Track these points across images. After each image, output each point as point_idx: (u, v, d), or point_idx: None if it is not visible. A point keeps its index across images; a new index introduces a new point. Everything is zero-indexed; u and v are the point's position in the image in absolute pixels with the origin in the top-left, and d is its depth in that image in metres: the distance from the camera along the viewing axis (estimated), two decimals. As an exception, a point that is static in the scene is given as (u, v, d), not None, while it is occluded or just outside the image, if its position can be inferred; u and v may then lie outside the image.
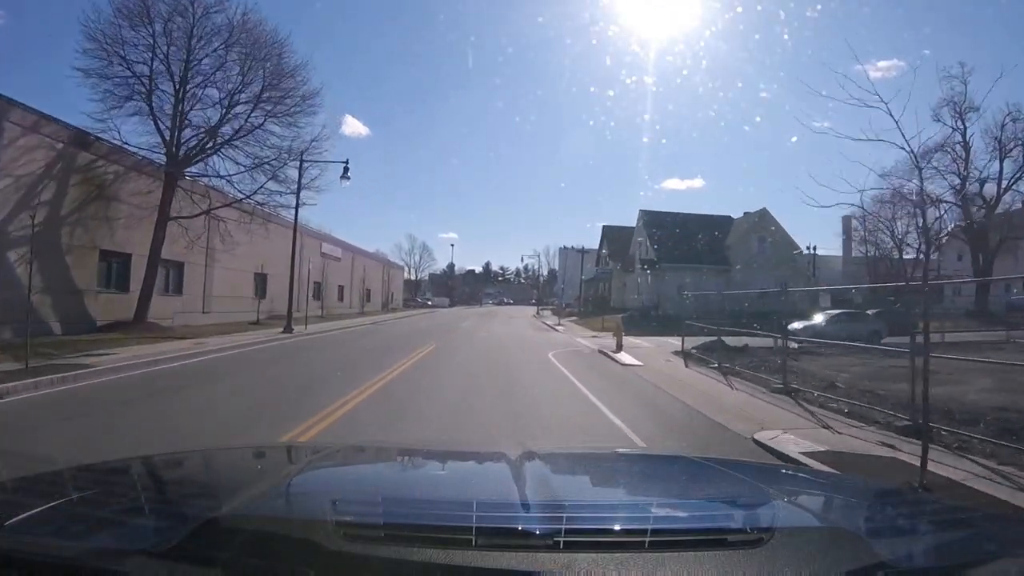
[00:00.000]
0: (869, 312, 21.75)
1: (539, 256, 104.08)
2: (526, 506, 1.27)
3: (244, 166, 19.36)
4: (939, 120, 29.03)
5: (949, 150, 29.43)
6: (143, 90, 17.30)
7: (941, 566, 1.07)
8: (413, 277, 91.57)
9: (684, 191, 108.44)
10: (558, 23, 52.64)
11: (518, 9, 54.29)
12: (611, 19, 37.71)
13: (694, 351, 13.63)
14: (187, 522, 1.03)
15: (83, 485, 1.54)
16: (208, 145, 18.84)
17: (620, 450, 3.90)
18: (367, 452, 2.17)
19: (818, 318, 20.02)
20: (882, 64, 72.73)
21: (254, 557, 0.97)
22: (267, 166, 19.54)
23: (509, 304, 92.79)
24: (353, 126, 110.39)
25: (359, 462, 2.01)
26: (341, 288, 41.86)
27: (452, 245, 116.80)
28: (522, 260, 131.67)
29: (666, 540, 1.03)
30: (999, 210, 30.72)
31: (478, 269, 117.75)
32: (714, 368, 11.81)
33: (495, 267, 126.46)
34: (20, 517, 1.13)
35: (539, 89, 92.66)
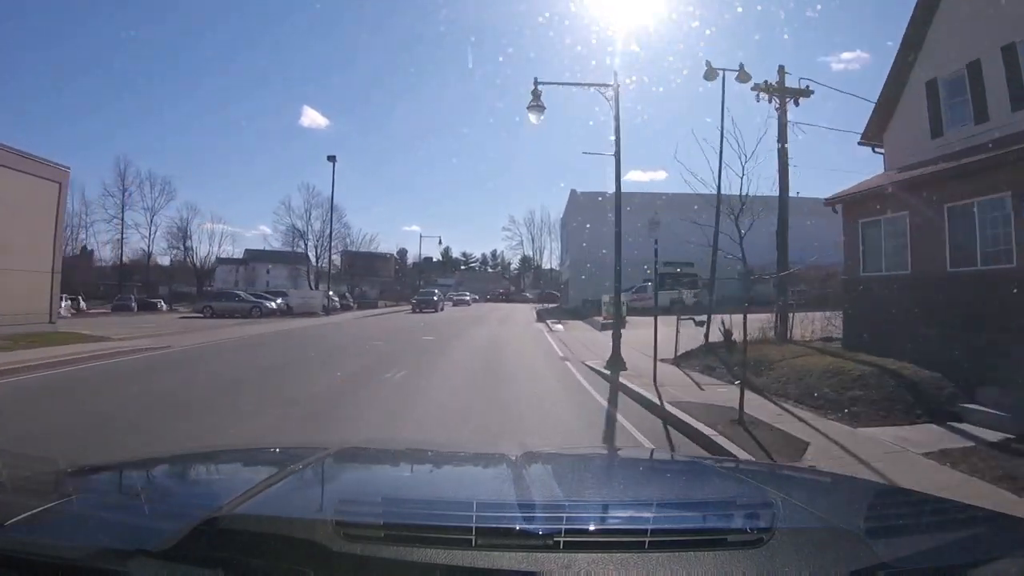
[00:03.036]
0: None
1: (528, 221, 76.15)
2: (526, 506, 1.27)
3: None
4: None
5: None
6: None
7: (941, 566, 1.07)
8: (314, 259, 57.81)
9: (647, 182, 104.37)
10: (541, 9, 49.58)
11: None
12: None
13: None
14: (187, 522, 1.03)
15: (83, 485, 1.54)
16: None
17: (620, 450, 3.90)
18: (367, 452, 2.17)
19: None
20: (846, 56, 70.86)
21: (254, 557, 0.97)
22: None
23: (468, 302, 52.53)
24: (311, 117, 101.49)
25: (359, 462, 2.01)
26: None
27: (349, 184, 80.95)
28: (513, 218, 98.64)
29: (666, 540, 1.04)
30: None
31: (436, 256, 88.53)
32: None
33: (456, 253, 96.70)
34: (20, 517, 1.13)
35: (517, 81, 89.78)
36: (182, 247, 59.60)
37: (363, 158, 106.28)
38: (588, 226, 33.69)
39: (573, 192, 41.19)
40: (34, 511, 1.18)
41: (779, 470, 2.86)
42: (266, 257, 62.79)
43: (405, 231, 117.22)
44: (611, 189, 12.80)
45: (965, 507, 1.56)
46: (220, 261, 66.06)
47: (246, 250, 55.17)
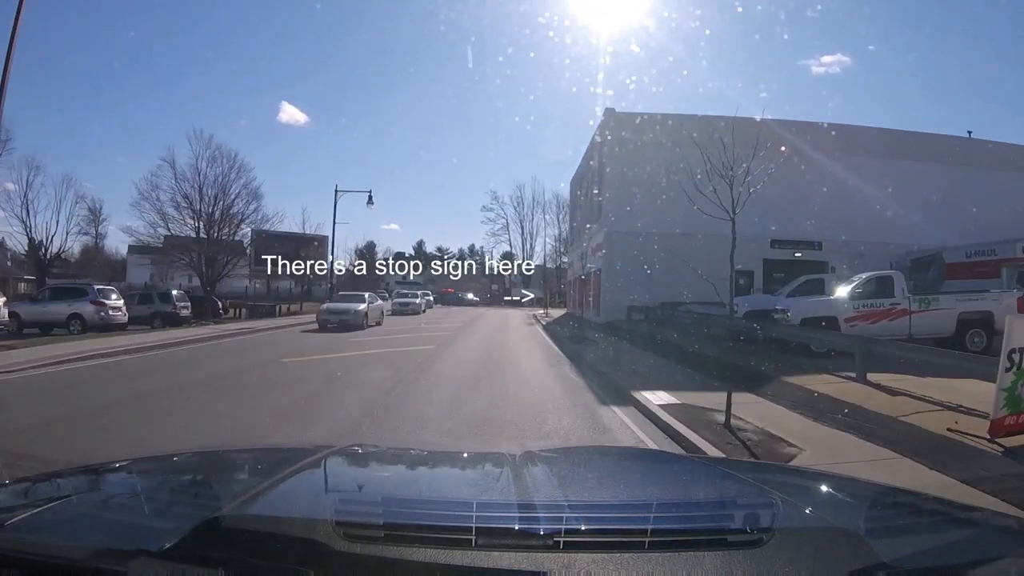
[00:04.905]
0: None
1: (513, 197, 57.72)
2: (526, 506, 1.27)
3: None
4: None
5: None
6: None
7: (941, 566, 1.07)
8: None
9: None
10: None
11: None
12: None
13: None
14: (187, 522, 1.03)
15: (83, 485, 1.54)
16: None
17: (620, 449, 3.90)
18: (367, 452, 2.17)
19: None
20: (826, 59, 69.54)
21: (254, 557, 0.97)
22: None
23: (355, 310, 19.59)
24: (290, 113, 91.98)
25: (359, 462, 2.01)
26: None
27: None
28: (496, 194, 68.84)
29: (666, 540, 1.04)
30: None
31: (409, 251, 73.45)
32: None
33: (431, 248, 78.99)
34: (20, 517, 1.13)
35: (518, 82, 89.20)
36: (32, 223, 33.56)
37: (343, 155, 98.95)
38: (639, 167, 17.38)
39: (610, 113, 22.43)
40: (34, 511, 1.18)
41: (779, 470, 2.86)
42: (192, 245, 37.94)
43: (384, 229, 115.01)
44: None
45: (965, 507, 1.56)
46: (133, 250, 47.36)
47: (166, 237, 33.83)
